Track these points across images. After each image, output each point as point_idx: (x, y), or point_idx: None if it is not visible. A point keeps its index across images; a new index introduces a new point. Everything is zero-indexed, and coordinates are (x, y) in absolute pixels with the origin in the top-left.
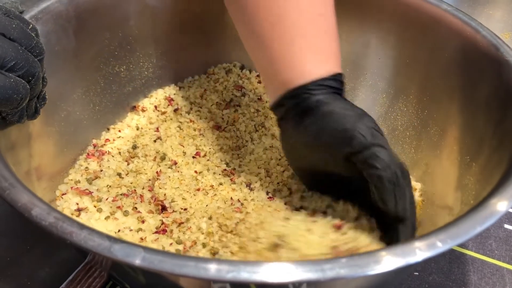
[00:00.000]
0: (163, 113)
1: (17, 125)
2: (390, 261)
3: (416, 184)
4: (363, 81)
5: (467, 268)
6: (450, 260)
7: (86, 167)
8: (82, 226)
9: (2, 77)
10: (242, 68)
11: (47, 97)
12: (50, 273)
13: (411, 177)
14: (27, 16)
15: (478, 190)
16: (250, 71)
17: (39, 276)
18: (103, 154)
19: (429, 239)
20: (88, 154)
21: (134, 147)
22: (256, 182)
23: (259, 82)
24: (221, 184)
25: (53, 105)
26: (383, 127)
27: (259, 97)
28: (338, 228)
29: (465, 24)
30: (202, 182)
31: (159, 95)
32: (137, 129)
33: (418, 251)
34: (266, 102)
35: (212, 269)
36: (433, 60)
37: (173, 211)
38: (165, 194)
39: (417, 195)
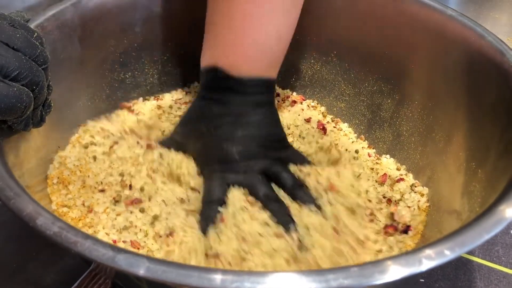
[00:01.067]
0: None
1: (22, 133)
2: (395, 270)
3: (423, 190)
4: (368, 86)
5: (474, 275)
6: (456, 267)
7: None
8: (87, 236)
9: (5, 86)
10: None
11: (52, 104)
12: (55, 279)
13: (418, 182)
14: (32, 25)
15: (485, 197)
16: None
17: (45, 283)
18: None
19: (435, 247)
20: None
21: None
22: None
23: None
24: None
25: (59, 113)
26: (388, 132)
27: None
28: None
29: (471, 30)
30: None
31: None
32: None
33: (424, 260)
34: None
35: (216, 280)
36: (439, 65)
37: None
38: None
39: (424, 200)
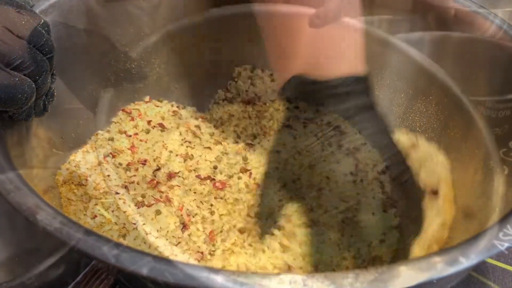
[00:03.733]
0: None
1: (23, 122)
2: (411, 276)
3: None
4: (381, 80)
5: (488, 277)
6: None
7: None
8: (89, 232)
9: (6, 75)
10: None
11: (55, 93)
12: (57, 273)
13: None
14: (37, 11)
15: (503, 197)
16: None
17: (47, 276)
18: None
19: (453, 253)
20: None
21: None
22: None
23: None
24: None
25: (62, 102)
26: (401, 128)
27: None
28: None
29: (490, 22)
30: None
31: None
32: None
33: (440, 266)
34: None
35: (224, 282)
36: (456, 60)
37: None
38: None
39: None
